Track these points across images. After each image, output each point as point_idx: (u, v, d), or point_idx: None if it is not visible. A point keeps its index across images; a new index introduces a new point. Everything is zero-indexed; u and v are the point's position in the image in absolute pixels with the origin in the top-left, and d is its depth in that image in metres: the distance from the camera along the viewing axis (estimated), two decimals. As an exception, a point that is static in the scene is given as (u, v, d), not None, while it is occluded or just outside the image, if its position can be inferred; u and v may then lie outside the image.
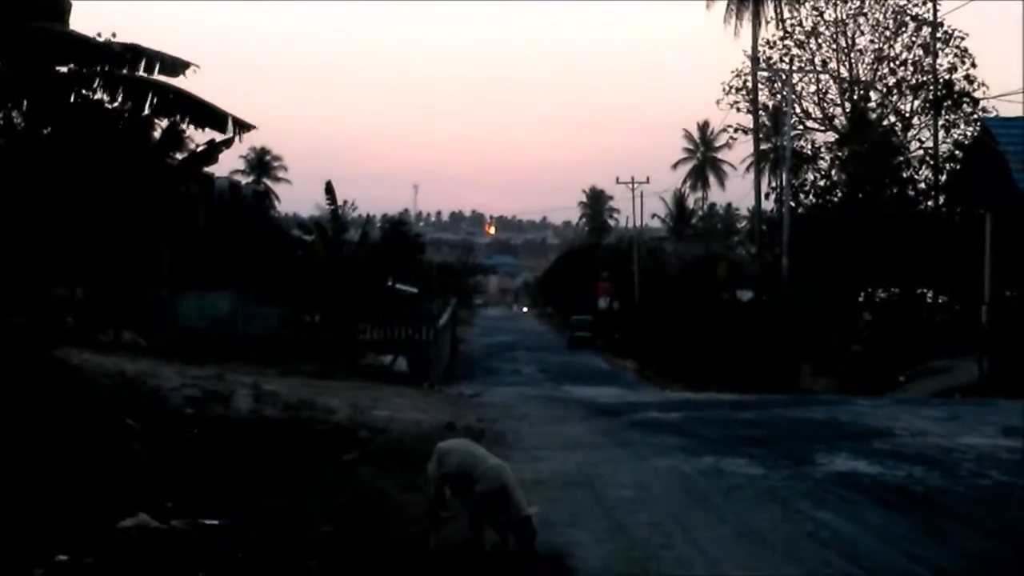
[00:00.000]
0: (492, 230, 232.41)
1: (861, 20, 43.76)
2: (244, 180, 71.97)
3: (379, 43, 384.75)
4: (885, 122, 43.36)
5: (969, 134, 37.41)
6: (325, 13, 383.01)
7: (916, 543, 7.84)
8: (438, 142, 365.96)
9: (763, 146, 53.80)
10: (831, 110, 44.91)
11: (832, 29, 44.23)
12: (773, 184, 48.92)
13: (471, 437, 11.34)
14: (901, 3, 42.88)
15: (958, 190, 32.89)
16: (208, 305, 32.34)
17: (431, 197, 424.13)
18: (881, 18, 43.49)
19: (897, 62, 42.98)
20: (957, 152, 37.08)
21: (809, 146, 44.66)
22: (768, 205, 46.29)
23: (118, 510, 7.79)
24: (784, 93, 41.78)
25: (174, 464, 9.80)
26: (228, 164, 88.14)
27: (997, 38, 45.44)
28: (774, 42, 45.24)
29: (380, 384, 21.66)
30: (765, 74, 45.58)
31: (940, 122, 40.35)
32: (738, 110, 47.09)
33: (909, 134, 42.68)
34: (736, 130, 48.91)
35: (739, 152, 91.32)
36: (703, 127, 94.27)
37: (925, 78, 41.97)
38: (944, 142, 40.16)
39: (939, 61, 41.49)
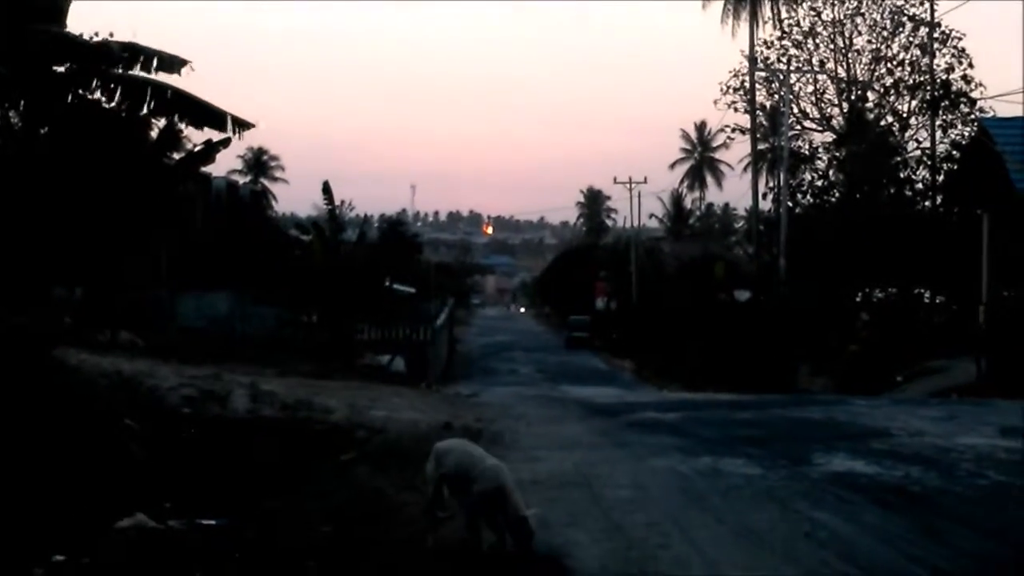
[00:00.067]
0: (490, 230, 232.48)
1: (858, 20, 43.83)
2: (241, 180, 72.04)
3: (377, 43, 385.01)
4: (883, 122, 43.41)
5: (966, 134, 37.43)
6: (323, 13, 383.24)
7: (914, 543, 7.85)
8: (436, 142, 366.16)
9: (761, 146, 53.78)
10: (829, 110, 45.01)
11: (829, 29, 44.28)
12: (771, 184, 48.90)
13: (468, 437, 11.35)
14: (898, 3, 42.99)
15: (955, 190, 32.91)
16: (206, 305, 32.33)
17: (429, 197, 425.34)
18: (878, 18, 43.57)
19: (894, 62, 43.06)
20: (954, 152, 37.09)
21: (807, 146, 44.74)
22: (766, 205, 46.30)
23: (116, 510, 7.78)
24: (781, 93, 41.78)
25: (172, 464, 9.80)
26: (225, 164, 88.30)
27: (994, 38, 45.59)
28: (772, 42, 45.32)
29: (378, 384, 21.66)
30: (763, 74, 45.55)
31: (937, 122, 40.37)
32: (736, 110, 47.11)
33: (906, 134, 42.77)
34: (734, 130, 48.93)
35: (737, 152, 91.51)
36: (700, 127, 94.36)
37: (922, 78, 42.02)
38: (941, 142, 40.21)
39: (936, 61, 41.58)
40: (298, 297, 31.65)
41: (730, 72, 46.58)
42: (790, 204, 39.57)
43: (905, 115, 42.74)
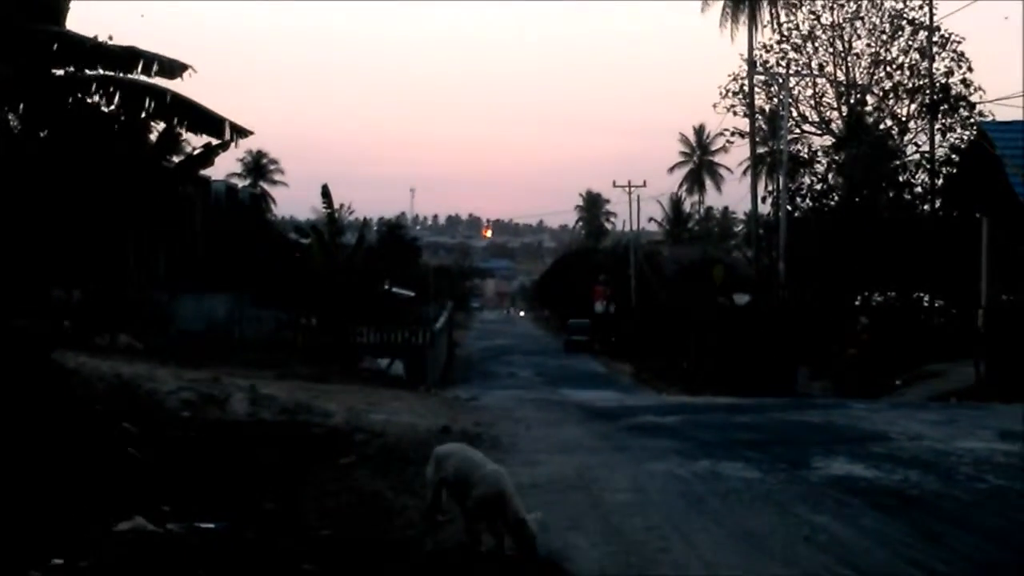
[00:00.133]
0: (489, 233, 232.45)
1: (858, 24, 43.81)
2: (241, 183, 72.02)
3: (376, 46, 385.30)
4: (882, 126, 43.41)
5: (966, 138, 37.47)
6: (321, 14, 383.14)
7: (913, 547, 7.85)
8: (435, 145, 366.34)
9: (760, 150, 53.81)
10: (828, 114, 44.98)
11: (829, 33, 44.27)
12: (770, 188, 48.89)
13: (467, 441, 11.37)
14: (898, 7, 43.00)
15: (955, 194, 32.90)
16: (205, 308, 32.34)
17: (428, 200, 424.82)
18: (878, 22, 43.56)
19: (894, 66, 43.06)
20: (954, 156, 37.10)
21: (806, 150, 44.73)
22: (765, 209, 46.33)
23: (114, 514, 7.77)
24: (781, 97, 41.84)
25: (170, 467, 9.78)
26: (225, 167, 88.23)
27: (993, 42, 45.60)
28: (771, 46, 45.28)
29: (377, 387, 21.67)
30: (762, 78, 45.55)
31: (937, 126, 40.42)
32: (735, 114, 47.13)
33: (906, 138, 42.80)
34: (733, 134, 49.03)
35: (736, 156, 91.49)
36: (699, 131, 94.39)
37: (922, 82, 42.04)
38: (941, 146, 40.28)
39: (936, 65, 41.60)
40: (297, 300, 31.69)
41: (729, 76, 46.66)
42: (789, 208, 39.60)
43: (904, 119, 42.79)
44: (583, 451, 12.86)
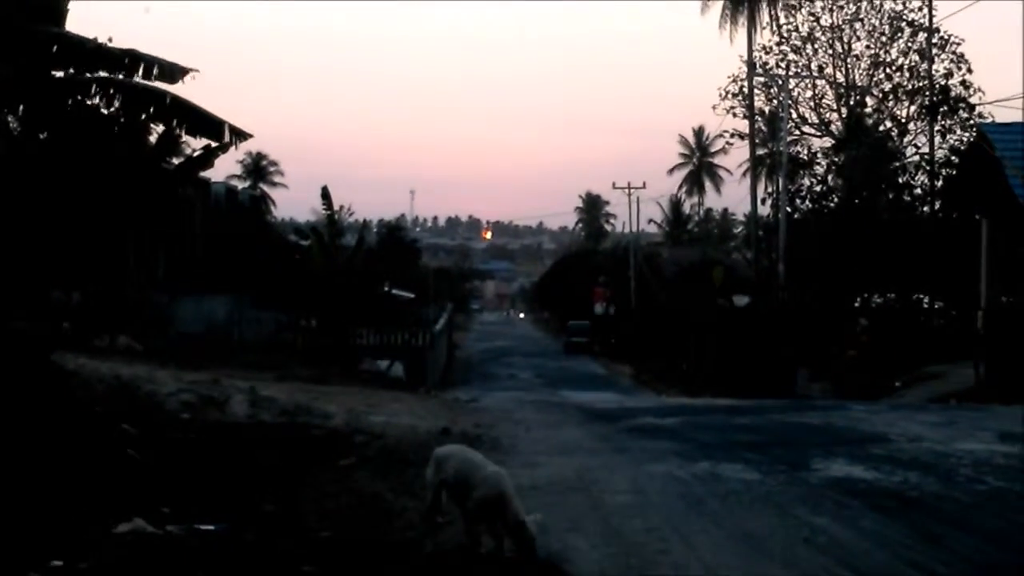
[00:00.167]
0: (488, 235, 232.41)
1: (857, 25, 43.89)
2: (241, 185, 71.99)
3: (376, 48, 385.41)
4: (881, 127, 43.45)
5: (965, 139, 37.48)
6: (321, 15, 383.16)
7: (912, 548, 7.85)
8: (435, 147, 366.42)
9: (759, 151, 53.79)
10: (827, 115, 45.05)
11: (828, 34, 44.33)
12: (770, 189, 48.93)
13: (467, 442, 11.36)
14: (897, 8, 43.08)
15: (954, 196, 32.90)
16: (204, 310, 32.36)
17: (427, 202, 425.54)
18: (877, 23, 43.63)
19: (893, 67, 43.11)
20: (953, 158, 37.10)
21: (805, 151, 44.79)
22: (764, 210, 46.33)
23: (114, 515, 7.77)
24: (780, 98, 41.86)
25: (170, 469, 9.78)
26: (225, 169, 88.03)
27: (993, 43, 45.65)
28: (770, 47, 45.34)
29: (376, 389, 21.67)
30: (761, 79, 45.57)
31: (936, 127, 40.43)
32: (734, 115, 47.15)
33: (905, 139, 42.84)
34: (732, 135, 49.08)
35: (735, 157, 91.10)
36: (699, 132, 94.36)
37: (921, 83, 42.08)
38: (940, 147, 40.27)
39: (935, 66, 41.64)
40: (297, 302, 31.68)
41: (729, 77, 46.72)
42: (789, 209, 39.61)
43: (904, 120, 42.84)
44: (583, 453, 12.86)
